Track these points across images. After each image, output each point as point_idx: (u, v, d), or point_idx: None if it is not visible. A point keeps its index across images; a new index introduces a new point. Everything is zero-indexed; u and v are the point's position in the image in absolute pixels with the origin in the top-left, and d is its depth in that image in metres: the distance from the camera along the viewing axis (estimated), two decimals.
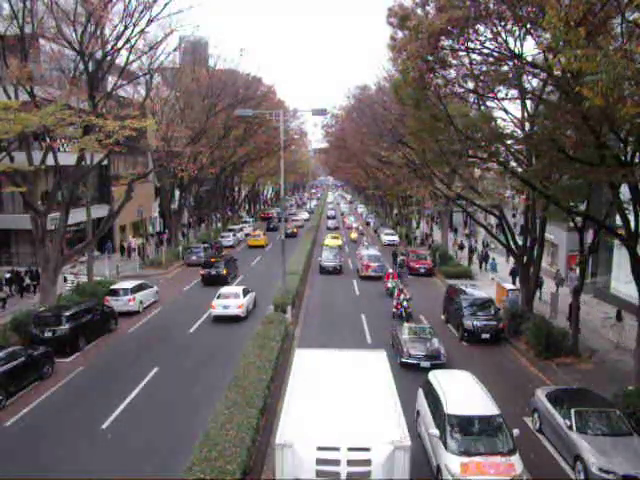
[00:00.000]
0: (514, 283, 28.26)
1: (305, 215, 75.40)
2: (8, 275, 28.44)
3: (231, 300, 24.35)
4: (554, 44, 10.49)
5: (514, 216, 44.84)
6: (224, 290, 25.42)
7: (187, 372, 17.87)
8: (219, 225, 56.75)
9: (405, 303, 24.17)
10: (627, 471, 10.78)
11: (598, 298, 27.59)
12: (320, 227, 63.49)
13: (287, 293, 24.44)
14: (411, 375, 17.16)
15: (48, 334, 19.15)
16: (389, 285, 28.48)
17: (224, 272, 31.54)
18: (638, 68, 8.94)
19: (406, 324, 20.60)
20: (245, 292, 25.50)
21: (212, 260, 33.02)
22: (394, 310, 24.44)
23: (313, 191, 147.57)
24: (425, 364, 17.63)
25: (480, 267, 37.14)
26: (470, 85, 17.35)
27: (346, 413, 10.01)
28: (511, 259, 33.22)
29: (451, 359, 18.66)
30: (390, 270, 31.26)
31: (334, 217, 74.58)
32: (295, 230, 55.28)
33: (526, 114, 19.77)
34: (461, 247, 42.43)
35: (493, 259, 35.18)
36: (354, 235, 53.25)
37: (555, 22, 9.48)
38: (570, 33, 9.40)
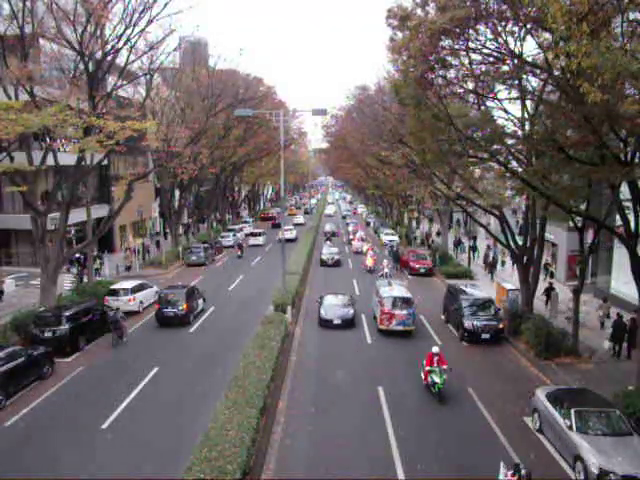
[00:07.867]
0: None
1: (312, 201, 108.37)
2: (77, 255, 30.96)
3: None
4: (557, 39, 10.47)
5: (506, 224, 45.75)
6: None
7: (187, 372, 17.87)
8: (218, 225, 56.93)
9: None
10: (627, 471, 10.77)
11: (598, 298, 27.54)
12: (318, 232, 55.24)
13: (287, 293, 24.41)
14: None
15: (48, 334, 19.13)
16: (437, 380, 15.51)
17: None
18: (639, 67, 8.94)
19: None
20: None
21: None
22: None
23: (313, 190, 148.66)
24: None
25: (455, 250, 41.78)
26: (470, 85, 17.36)
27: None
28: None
29: (451, 359, 18.51)
30: (435, 349, 16.28)
31: (334, 261, 38.70)
32: (308, 210, 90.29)
33: (526, 114, 19.78)
34: (459, 243, 43.40)
35: (462, 243, 41.67)
36: (370, 262, 37.08)
37: (559, 17, 9.45)
38: (573, 28, 9.37)
